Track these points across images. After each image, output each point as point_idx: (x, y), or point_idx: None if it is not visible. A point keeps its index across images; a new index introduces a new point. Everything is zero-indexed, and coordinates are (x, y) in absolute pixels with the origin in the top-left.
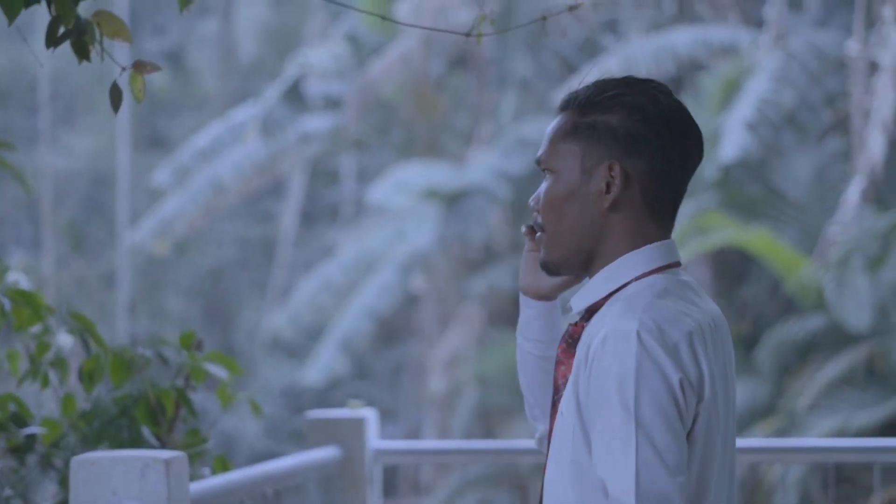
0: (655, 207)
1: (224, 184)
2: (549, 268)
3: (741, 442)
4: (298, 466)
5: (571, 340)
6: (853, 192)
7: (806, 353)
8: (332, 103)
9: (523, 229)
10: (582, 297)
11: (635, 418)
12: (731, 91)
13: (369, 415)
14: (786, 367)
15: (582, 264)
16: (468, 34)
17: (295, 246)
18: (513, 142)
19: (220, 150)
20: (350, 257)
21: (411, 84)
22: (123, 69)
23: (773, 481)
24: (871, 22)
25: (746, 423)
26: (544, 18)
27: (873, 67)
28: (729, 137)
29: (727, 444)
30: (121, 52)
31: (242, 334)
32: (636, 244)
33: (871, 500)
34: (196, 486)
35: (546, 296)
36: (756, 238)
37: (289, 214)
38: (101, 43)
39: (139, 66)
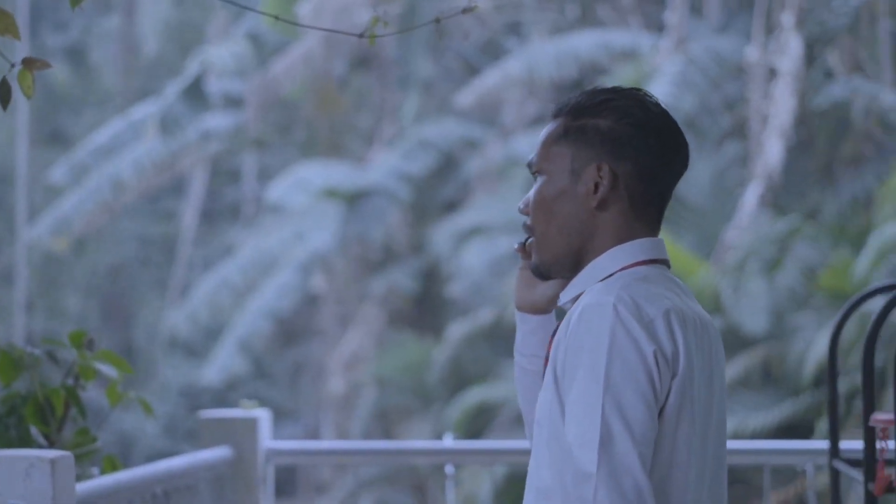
0: (642, 207)
1: (124, 181)
2: (540, 270)
3: None
4: (189, 466)
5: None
6: (751, 196)
7: None
8: (233, 102)
9: (515, 246)
10: (569, 290)
11: (605, 387)
12: None
13: (262, 415)
14: None
15: (572, 265)
16: (361, 35)
17: (195, 245)
18: (414, 143)
19: (120, 148)
20: (250, 256)
21: (313, 83)
22: (13, 66)
23: None
24: (771, 28)
25: None
26: (438, 20)
27: (772, 73)
28: None
29: (707, 439)
30: (22, 48)
31: (142, 333)
32: (623, 241)
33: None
34: (83, 486)
35: (542, 308)
36: None
37: (189, 213)
38: None
39: (29, 63)
